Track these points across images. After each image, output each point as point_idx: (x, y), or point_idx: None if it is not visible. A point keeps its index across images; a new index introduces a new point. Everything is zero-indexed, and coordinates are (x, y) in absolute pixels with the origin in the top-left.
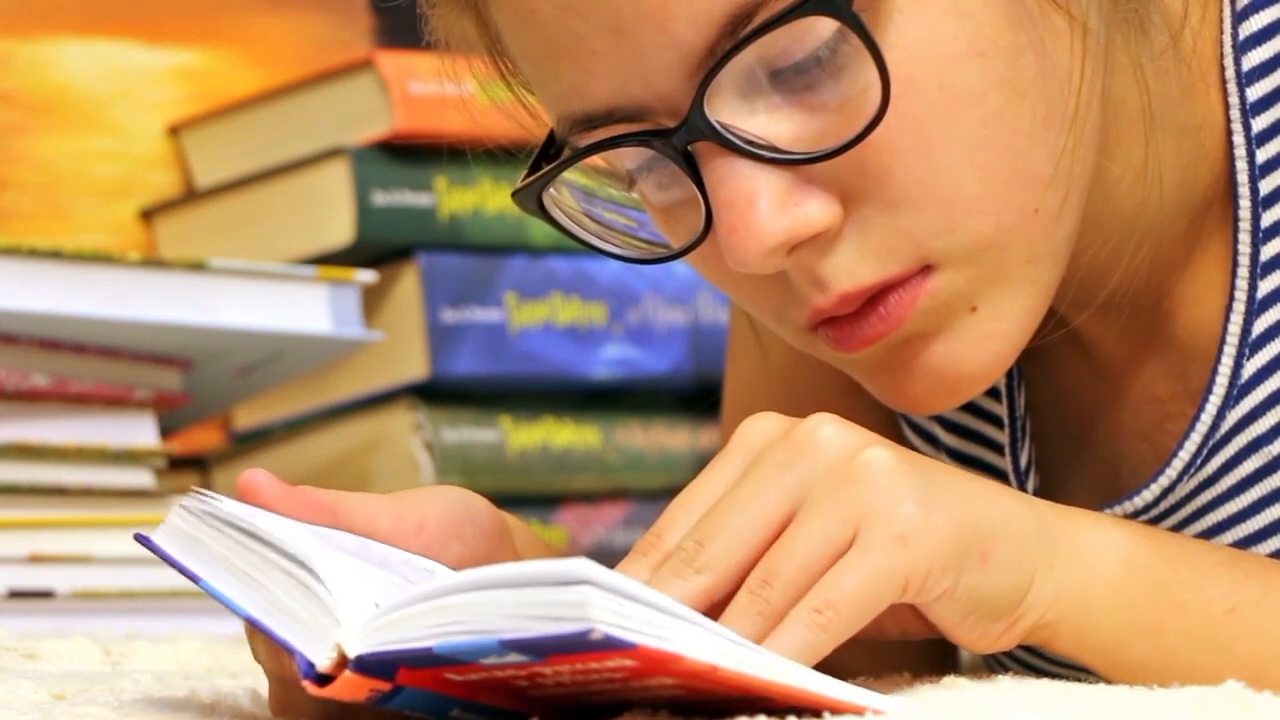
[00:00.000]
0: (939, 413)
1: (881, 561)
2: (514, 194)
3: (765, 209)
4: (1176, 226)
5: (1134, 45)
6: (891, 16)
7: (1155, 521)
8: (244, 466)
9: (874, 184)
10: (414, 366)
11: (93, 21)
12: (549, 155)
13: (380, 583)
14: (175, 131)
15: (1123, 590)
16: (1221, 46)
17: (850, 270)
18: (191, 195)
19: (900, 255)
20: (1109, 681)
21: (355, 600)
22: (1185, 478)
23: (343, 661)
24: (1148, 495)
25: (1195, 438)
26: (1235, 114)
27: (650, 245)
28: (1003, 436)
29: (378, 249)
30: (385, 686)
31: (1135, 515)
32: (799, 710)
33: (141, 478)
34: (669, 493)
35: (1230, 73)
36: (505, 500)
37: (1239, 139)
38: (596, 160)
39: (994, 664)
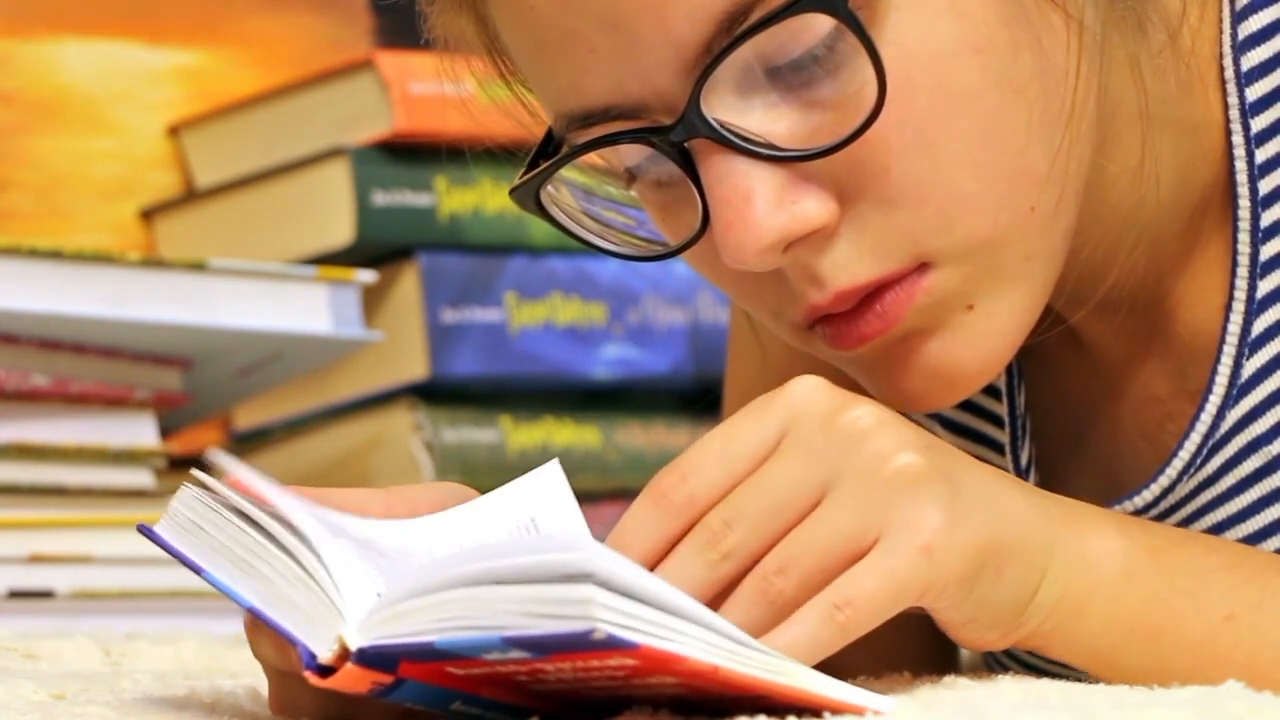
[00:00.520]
0: (936, 410)
1: (906, 569)
2: (512, 191)
3: (762, 206)
4: (1174, 225)
5: (1131, 44)
6: (888, 14)
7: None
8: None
9: (870, 181)
10: (414, 366)
11: (93, 21)
12: (547, 153)
13: (384, 570)
14: (175, 131)
15: (1120, 600)
16: (1221, 46)
17: (847, 268)
18: (191, 195)
19: (897, 253)
20: (1108, 682)
21: (358, 590)
22: (1185, 477)
23: (345, 654)
24: (1147, 495)
25: (1195, 437)
26: (1234, 114)
27: (649, 243)
28: (1003, 436)
29: (378, 249)
30: (387, 679)
31: (1135, 515)
32: (799, 710)
33: (141, 478)
34: None
35: (1229, 72)
36: None
37: (1238, 139)
38: (595, 158)
39: (994, 664)
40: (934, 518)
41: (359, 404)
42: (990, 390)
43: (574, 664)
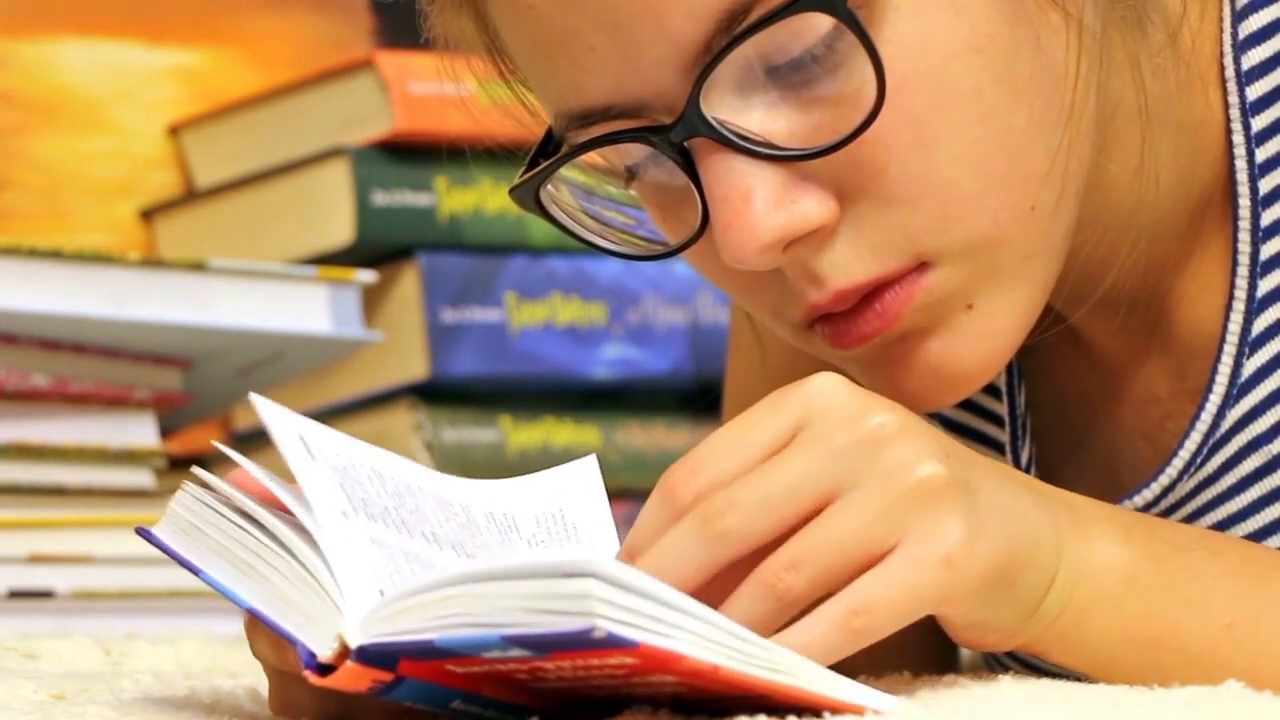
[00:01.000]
0: (936, 409)
1: (927, 579)
2: (512, 190)
3: (761, 205)
4: (1175, 224)
5: (1131, 43)
6: (887, 13)
7: None
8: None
9: (870, 180)
10: (414, 366)
11: (93, 21)
12: (547, 152)
13: (396, 554)
14: (175, 131)
15: (1121, 610)
16: (1221, 45)
17: (846, 267)
18: (191, 195)
19: (896, 252)
20: (1108, 682)
21: (360, 585)
22: (1185, 476)
23: (344, 652)
24: (1148, 494)
25: (1195, 436)
26: (1235, 113)
27: (648, 243)
28: (1003, 435)
29: (378, 249)
30: (387, 677)
31: None
32: (799, 709)
33: (141, 478)
34: None
35: (1230, 71)
36: None
37: (1238, 138)
38: (595, 157)
39: (994, 664)
40: (955, 529)
41: (359, 404)
42: (990, 389)
43: (574, 662)
